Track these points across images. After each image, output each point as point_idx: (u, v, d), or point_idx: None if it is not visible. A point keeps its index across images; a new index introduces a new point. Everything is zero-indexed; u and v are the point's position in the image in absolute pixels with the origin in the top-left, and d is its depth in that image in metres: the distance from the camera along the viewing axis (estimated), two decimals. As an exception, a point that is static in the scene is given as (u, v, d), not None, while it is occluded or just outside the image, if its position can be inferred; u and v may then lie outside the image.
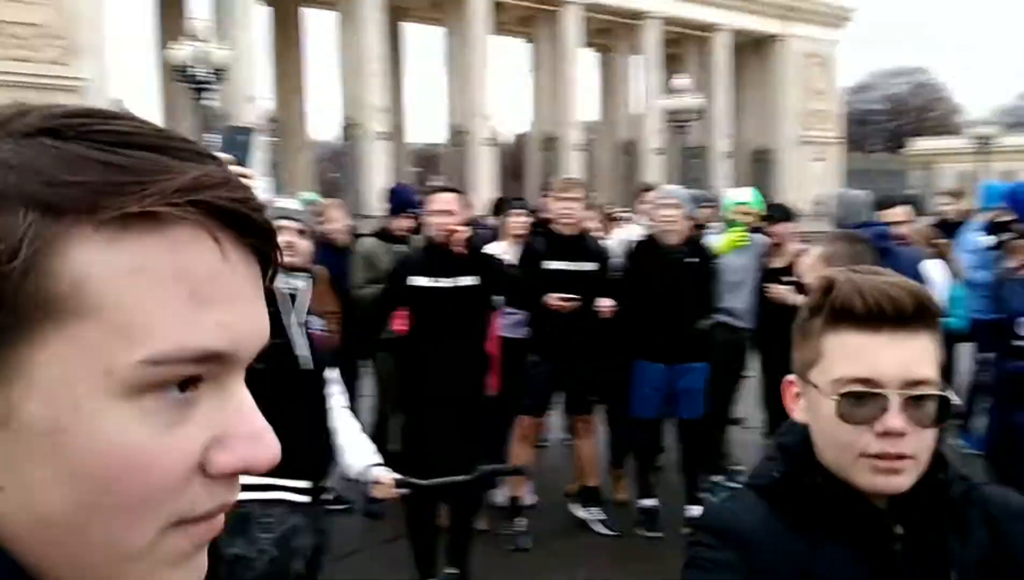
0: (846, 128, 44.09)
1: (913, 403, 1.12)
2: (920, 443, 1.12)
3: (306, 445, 2.51)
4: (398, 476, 2.80)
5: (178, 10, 34.64)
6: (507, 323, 5.33)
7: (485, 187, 30.56)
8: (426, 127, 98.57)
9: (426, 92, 63.12)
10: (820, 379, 1.17)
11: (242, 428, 0.50)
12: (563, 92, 36.98)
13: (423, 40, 53.55)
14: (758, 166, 39.67)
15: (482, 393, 4.36)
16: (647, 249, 5.18)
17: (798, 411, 1.25)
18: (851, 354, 1.14)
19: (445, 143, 37.79)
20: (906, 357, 1.12)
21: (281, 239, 2.35)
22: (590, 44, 40.72)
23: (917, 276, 3.51)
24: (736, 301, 5.64)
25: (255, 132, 2.17)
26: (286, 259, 2.81)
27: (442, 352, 4.09)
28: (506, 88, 69.81)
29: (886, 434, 1.10)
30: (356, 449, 2.83)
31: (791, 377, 1.26)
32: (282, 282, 2.74)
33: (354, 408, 3.46)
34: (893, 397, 1.11)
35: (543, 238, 5.18)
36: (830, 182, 35.37)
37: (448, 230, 4.05)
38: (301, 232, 2.91)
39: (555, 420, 6.27)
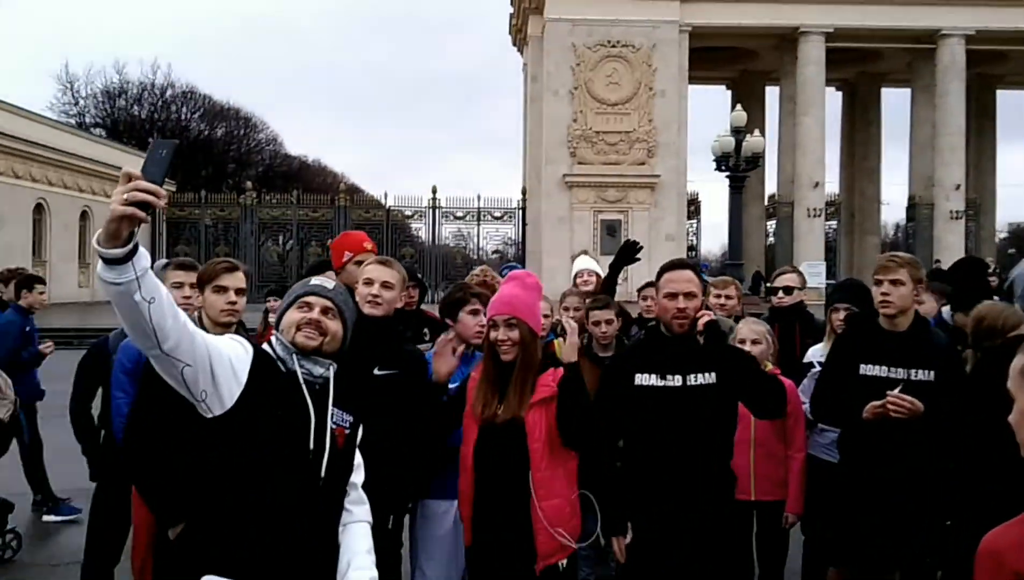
0: None
1: None
2: None
3: (300, 557, 2.27)
4: None
5: (757, 104, 36.40)
6: (821, 441, 4.32)
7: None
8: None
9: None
10: None
11: None
12: None
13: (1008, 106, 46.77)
14: None
15: (724, 520, 3.40)
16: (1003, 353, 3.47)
17: None
18: None
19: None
20: None
21: (304, 316, 2.30)
22: None
23: None
24: None
25: (175, 145, 2.00)
26: (306, 341, 2.40)
27: (670, 467, 3.29)
28: None
29: None
30: (351, 574, 2.39)
31: None
32: (302, 370, 2.38)
33: None
34: None
35: (859, 333, 3.86)
36: None
37: (686, 316, 3.27)
38: (327, 310, 2.46)
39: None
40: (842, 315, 4.43)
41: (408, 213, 33.91)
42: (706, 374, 3.30)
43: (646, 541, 3.31)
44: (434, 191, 32.73)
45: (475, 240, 33.66)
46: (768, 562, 4.36)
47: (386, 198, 33.75)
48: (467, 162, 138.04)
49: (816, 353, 4.53)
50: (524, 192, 32.90)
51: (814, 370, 4.34)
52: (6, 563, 5.33)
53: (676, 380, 3.29)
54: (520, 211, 32.86)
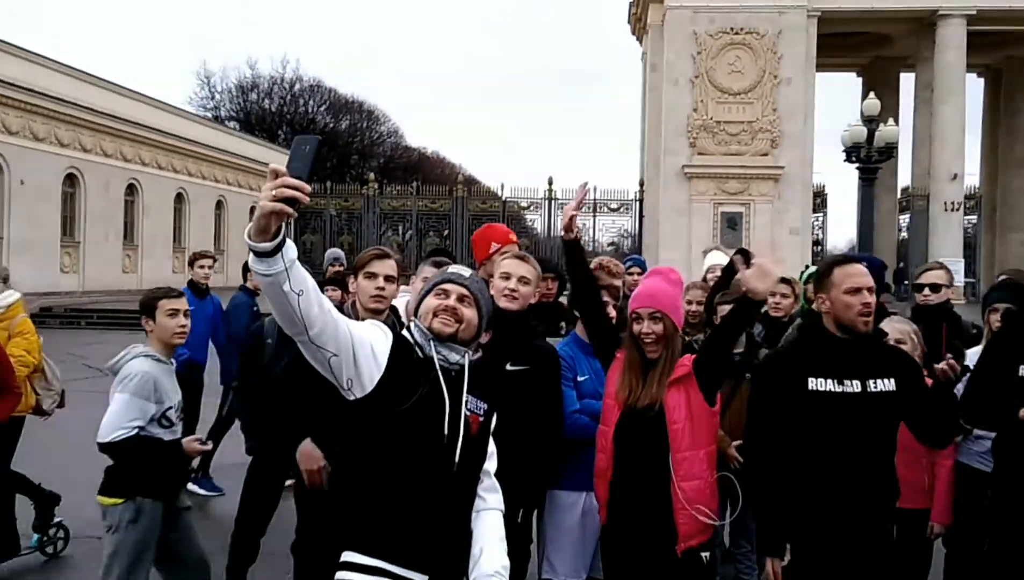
0: None
1: None
2: None
3: (434, 541, 2.31)
4: None
5: (890, 92, 34.72)
6: (976, 449, 4.02)
7: None
8: None
9: None
10: None
11: None
12: None
13: None
14: None
15: (885, 531, 3.14)
16: None
17: None
18: None
19: None
20: None
21: (441, 303, 2.40)
22: None
23: None
24: None
25: (318, 140, 2.02)
26: (442, 327, 2.45)
27: (842, 480, 3.02)
28: None
29: None
30: (483, 561, 2.41)
31: None
32: (438, 355, 2.42)
33: None
34: None
35: (1018, 332, 3.61)
36: None
37: (871, 312, 3.03)
38: (463, 298, 2.48)
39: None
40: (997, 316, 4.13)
41: (524, 204, 34.11)
42: (886, 380, 3.03)
43: (806, 562, 3.07)
44: (550, 182, 32.80)
45: (591, 232, 33.48)
46: (910, 573, 4.11)
47: (502, 189, 34.08)
48: (584, 154, 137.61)
49: (974, 357, 4.23)
50: (641, 184, 32.55)
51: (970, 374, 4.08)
52: (54, 558, 5.35)
53: (855, 386, 3.02)
54: (637, 203, 32.53)
